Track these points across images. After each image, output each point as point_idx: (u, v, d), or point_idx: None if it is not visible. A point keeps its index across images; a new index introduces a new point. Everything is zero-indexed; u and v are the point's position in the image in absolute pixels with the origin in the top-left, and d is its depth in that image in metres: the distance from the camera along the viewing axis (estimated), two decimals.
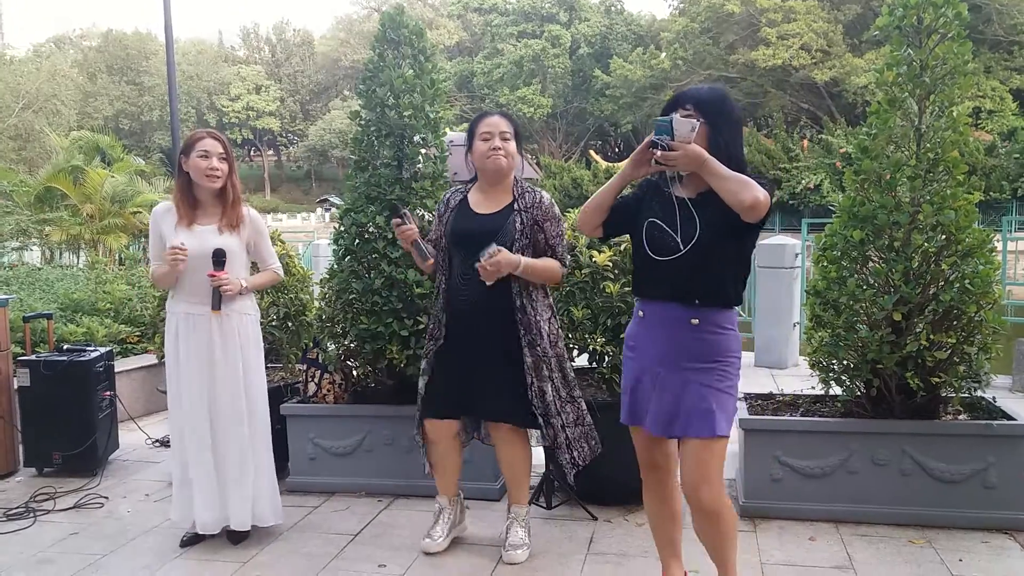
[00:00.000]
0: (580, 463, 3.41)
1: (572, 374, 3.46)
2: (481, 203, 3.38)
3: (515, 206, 3.33)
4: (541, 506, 3.93)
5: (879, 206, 3.53)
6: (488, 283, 3.17)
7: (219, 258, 3.46)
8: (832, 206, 3.98)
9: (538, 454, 4.37)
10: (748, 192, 2.39)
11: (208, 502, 3.57)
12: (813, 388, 4.03)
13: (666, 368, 2.60)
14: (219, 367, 3.54)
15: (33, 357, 4.80)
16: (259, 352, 3.70)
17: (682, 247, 2.53)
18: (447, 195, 3.53)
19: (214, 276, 3.44)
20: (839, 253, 3.69)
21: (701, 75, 36.45)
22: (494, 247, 3.14)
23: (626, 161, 2.60)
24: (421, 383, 3.48)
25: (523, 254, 3.24)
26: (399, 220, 3.34)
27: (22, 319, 5.45)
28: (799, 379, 4.29)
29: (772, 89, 37.96)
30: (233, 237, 3.57)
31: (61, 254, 13.86)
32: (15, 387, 4.78)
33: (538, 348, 3.30)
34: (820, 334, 3.77)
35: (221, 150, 3.55)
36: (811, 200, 27.02)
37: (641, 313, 2.70)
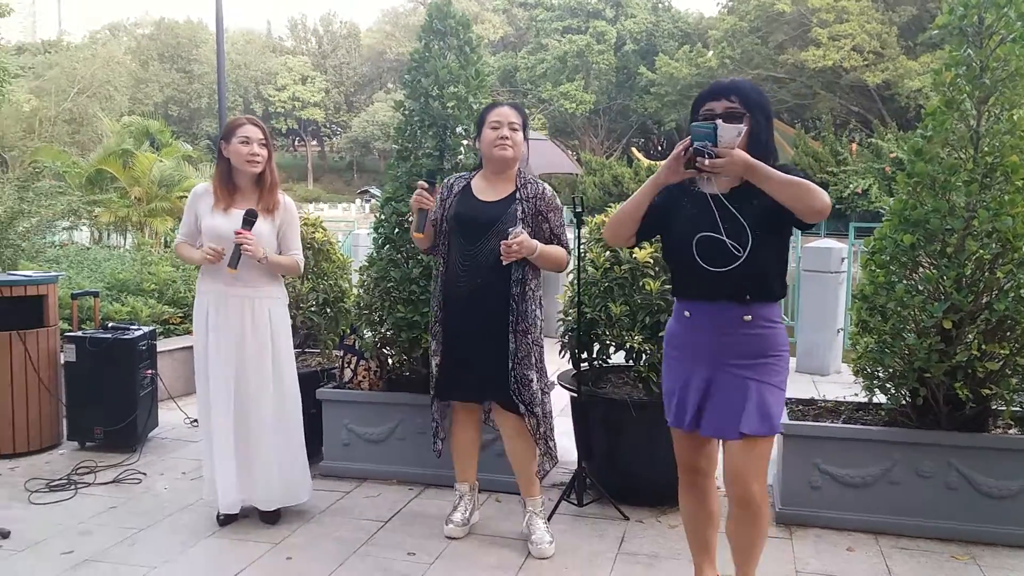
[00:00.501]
0: (551, 460, 3.50)
1: (546, 368, 3.55)
2: (484, 190, 3.43)
3: (517, 195, 3.39)
4: (572, 503, 3.90)
5: (932, 210, 3.44)
6: (505, 262, 3.25)
7: (250, 217, 3.50)
8: (882, 209, 3.90)
9: (570, 451, 4.34)
10: (818, 198, 2.31)
11: (229, 481, 3.60)
12: (856, 395, 3.95)
13: (719, 368, 2.54)
14: (249, 348, 3.59)
15: (79, 333, 4.90)
16: (288, 334, 3.75)
17: (740, 253, 2.45)
18: (450, 180, 3.55)
19: (239, 233, 3.46)
20: (888, 257, 3.60)
21: (749, 74, 35.94)
22: (519, 228, 3.23)
23: (660, 167, 2.51)
24: (432, 363, 3.55)
25: None
26: (426, 184, 3.33)
27: (70, 296, 5.57)
28: (841, 386, 4.21)
29: (821, 91, 37.35)
30: (267, 222, 3.61)
31: (109, 235, 14.14)
32: (61, 362, 4.87)
33: (528, 336, 3.38)
34: (866, 340, 3.69)
35: (261, 136, 3.60)
36: (858, 205, 26.53)
37: (687, 313, 2.62)
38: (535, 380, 3.39)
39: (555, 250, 3.38)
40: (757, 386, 2.50)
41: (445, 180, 3.59)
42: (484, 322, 3.36)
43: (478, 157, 3.80)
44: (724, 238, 2.47)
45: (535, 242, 3.26)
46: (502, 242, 3.19)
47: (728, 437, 2.56)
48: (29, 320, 4.71)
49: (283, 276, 3.82)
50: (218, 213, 3.57)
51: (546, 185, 3.45)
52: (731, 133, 2.31)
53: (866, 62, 34.77)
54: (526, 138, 3.44)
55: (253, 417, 3.61)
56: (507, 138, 3.34)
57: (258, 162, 3.58)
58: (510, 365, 3.36)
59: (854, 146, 29.92)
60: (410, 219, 4.07)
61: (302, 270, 3.85)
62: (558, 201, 3.46)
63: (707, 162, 2.30)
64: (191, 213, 3.67)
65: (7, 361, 4.61)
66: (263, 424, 3.62)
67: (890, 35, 35.17)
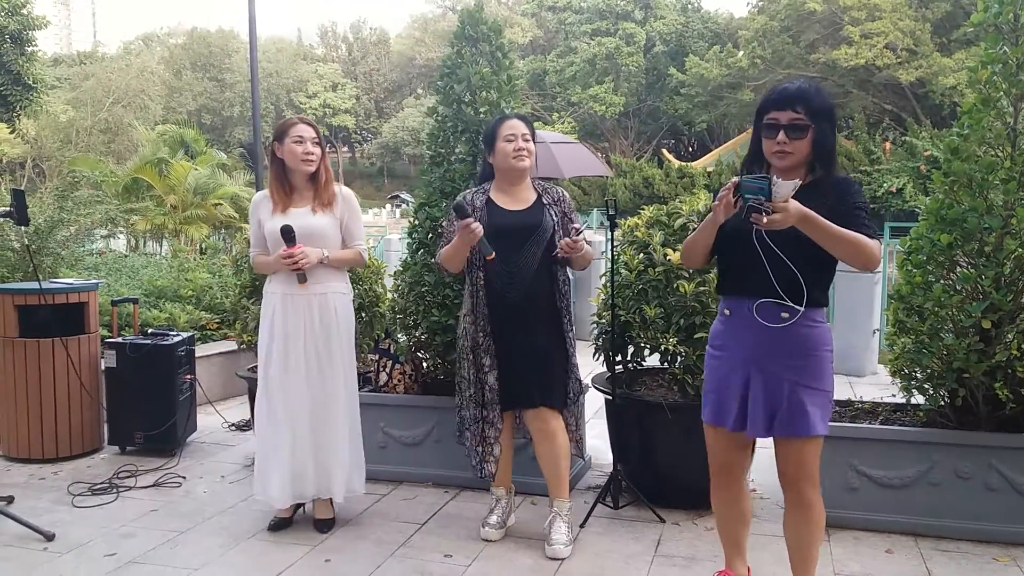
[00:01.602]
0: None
1: None
2: (508, 201, 3.52)
3: (543, 200, 3.53)
4: (608, 506, 3.91)
5: (969, 209, 3.40)
6: (562, 255, 3.42)
7: (288, 234, 3.50)
8: (917, 208, 3.87)
9: (605, 453, 4.35)
10: (864, 256, 2.38)
11: (284, 479, 3.63)
12: (893, 396, 3.92)
13: (759, 366, 2.56)
14: (318, 345, 3.62)
15: (119, 340, 4.99)
16: (351, 330, 3.77)
17: (798, 309, 2.47)
18: (468, 196, 3.54)
19: (286, 252, 3.48)
20: (925, 257, 3.56)
21: (780, 74, 35.60)
22: (578, 226, 3.42)
23: (713, 213, 2.50)
24: (491, 378, 3.54)
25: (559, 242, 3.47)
26: (470, 219, 3.32)
27: (110, 303, 5.67)
28: (878, 387, 4.17)
29: (854, 90, 36.86)
30: (327, 216, 3.63)
31: (145, 242, 14.37)
32: (102, 368, 4.96)
33: (572, 334, 3.60)
34: (903, 340, 3.66)
35: (314, 134, 3.64)
36: (892, 204, 26.16)
37: (728, 311, 2.65)
38: (577, 375, 3.61)
39: (589, 248, 3.51)
40: (796, 388, 2.52)
41: (462, 196, 3.57)
42: (537, 327, 3.47)
43: (480, 169, 3.80)
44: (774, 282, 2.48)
45: (583, 243, 3.43)
46: (567, 240, 3.33)
47: (769, 435, 2.59)
48: (71, 327, 4.80)
49: (348, 270, 3.85)
50: (277, 215, 3.60)
51: (560, 188, 3.62)
52: (786, 189, 2.27)
53: (899, 60, 34.27)
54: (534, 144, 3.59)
55: (324, 412, 3.65)
56: (523, 149, 3.45)
57: (312, 160, 3.61)
58: (572, 364, 3.54)
59: (888, 145, 29.52)
60: (444, 224, 4.11)
61: (367, 259, 3.87)
62: (573, 202, 3.66)
63: (764, 219, 2.27)
64: (255, 221, 3.71)
65: (50, 367, 4.72)
66: (337, 418, 3.67)
67: (923, 32, 34.63)
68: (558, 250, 3.39)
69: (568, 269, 3.60)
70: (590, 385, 4.26)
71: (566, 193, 3.62)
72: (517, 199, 3.52)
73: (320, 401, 3.65)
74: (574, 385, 3.58)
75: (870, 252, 2.39)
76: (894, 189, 26.83)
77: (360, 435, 3.84)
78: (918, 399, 3.74)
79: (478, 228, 3.32)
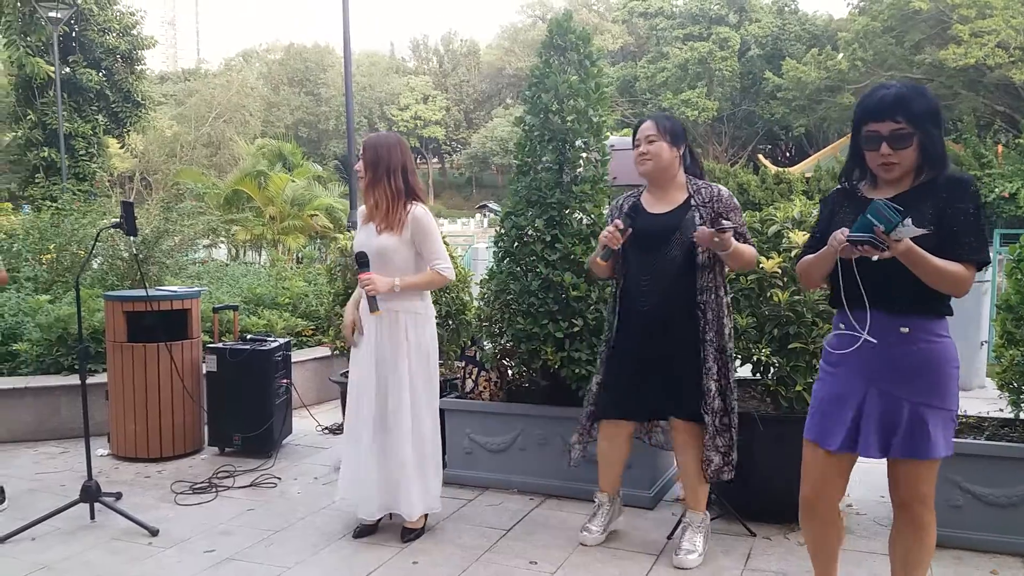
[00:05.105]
0: (729, 467, 3.40)
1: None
2: (654, 204, 3.47)
3: (692, 202, 3.39)
4: None
5: None
6: (702, 247, 3.27)
7: (360, 260, 3.58)
8: None
9: None
10: (956, 289, 2.35)
11: (368, 490, 3.66)
12: (1001, 411, 3.73)
13: (877, 385, 2.43)
14: (388, 361, 3.62)
15: (220, 345, 5.17)
16: (422, 352, 3.67)
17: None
18: (620, 200, 3.60)
19: (359, 278, 3.56)
20: None
21: (882, 76, 34.35)
22: (728, 223, 3.19)
23: (830, 245, 2.39)
24: (593, 381, 3.60)
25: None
26: (622, 226, 3.31)
27: (212, 310, 5.90)
28: (985, 402, 3.97)
29: (963, 91, 35.26)
30: (392, 237, 3.59)
31: (245, 252, 14.89)
32: (203, 372, 5.16)
33: (718, 344, 3.35)
34: (1011, 352, 3.49)
35: (360, 153, 3.73)
36: (1004, 210, 24.89)
37: (842, 326, 2.51)
38: (729, 390, 3.38)
39: (746, 248, 3.31)
40: (918, 408, 2.39)
41: (615, 200, 3.62)
42: (670, 335, 3.36)
43: (599, 170, 3.84)
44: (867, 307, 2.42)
45: (732, 239, 3.20)
46: (703, 229, 3.18)
47: (887, 456, 2.47)
48: (175, 332, 5.02)
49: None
50: (362, 227, 3.77)
51: (721, 187, 3.45)
52: (910, 233, 2.21)
53: (1012, 59, 32.61)
54: (676, 144, 3.42)
55: (384, 431, 3.64)
56: (644, 152, 3.40)
57: (360, 177, 3.73)
58: (702, 376, 3.34)
59: (1000, 148, 28.12)
60: (530, 232, 4.14)
61: (448, 277, 3.66)
62: (735, 201, 3.45)
63: (875, 255, 2.25)
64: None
65: (155, 371, 4.94)
66: (399, 440, 3.62)
67: None
68: (694, 236, 3.23)
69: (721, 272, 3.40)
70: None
71: (724, 191, 3.43)
72: (665, 201, 3.44)
73: (385, 417, 3.63)
74: (709, 399, 3.34)
75: (962, 284, 2.33)
76: (1006, 194, 25.51)
77: (433, 455, 3.75)
78: None
79: (614, 240, 3.29)
